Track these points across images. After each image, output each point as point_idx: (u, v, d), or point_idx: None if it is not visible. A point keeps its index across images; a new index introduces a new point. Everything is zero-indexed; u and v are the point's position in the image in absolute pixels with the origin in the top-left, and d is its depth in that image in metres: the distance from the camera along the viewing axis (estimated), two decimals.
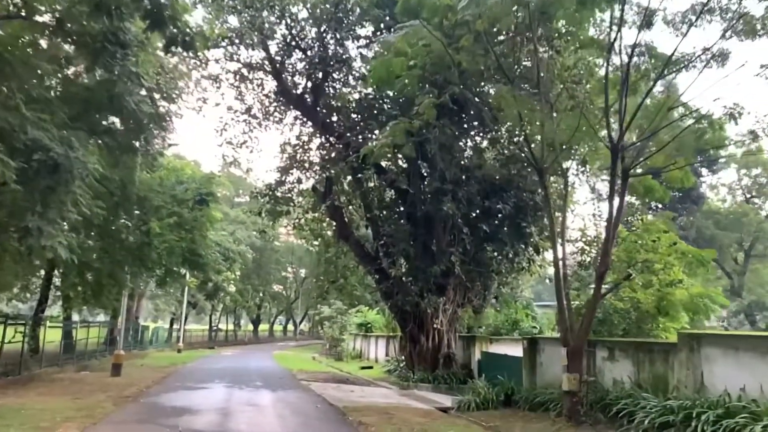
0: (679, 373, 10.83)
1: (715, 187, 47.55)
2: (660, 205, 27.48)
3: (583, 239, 17.76)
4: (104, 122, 16.51)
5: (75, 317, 31.52)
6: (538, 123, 14.35)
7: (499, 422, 12.52)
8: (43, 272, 24.50)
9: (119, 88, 13.36)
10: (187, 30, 12.11)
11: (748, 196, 46.18)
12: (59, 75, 14.86)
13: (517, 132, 15.15)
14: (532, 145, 14.68)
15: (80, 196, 12.55)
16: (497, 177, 20.41)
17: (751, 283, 45.49)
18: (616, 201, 13.00)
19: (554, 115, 13.93)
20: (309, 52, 21.70)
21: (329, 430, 11.88)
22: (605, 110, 12.84)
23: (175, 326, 54.61)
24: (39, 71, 13.65)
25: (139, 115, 14.16)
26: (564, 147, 14.07)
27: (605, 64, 13.36)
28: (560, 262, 13.16)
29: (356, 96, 22.77)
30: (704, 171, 41.19)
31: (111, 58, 12.64)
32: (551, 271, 26.76)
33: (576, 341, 12.33)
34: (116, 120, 16.46)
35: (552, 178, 19.01)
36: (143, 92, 15.21)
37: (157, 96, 17.53)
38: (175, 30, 11.70)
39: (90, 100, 14.56)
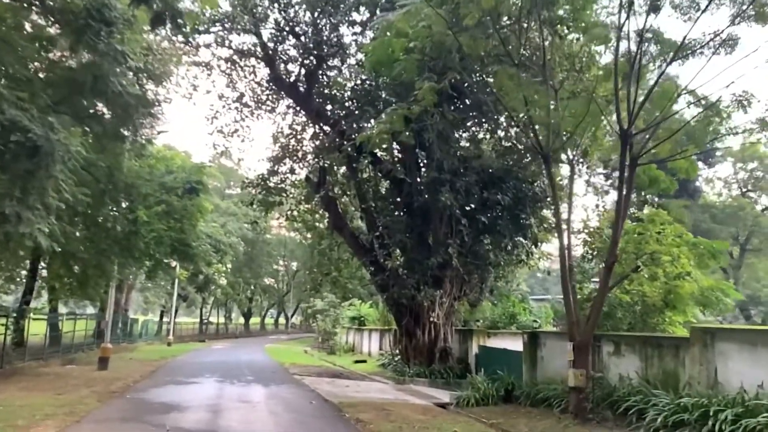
0: (692, 369, 10.36)
1: (711, 180, 47.38)
2: (657, 198, 27.02)
3: (586, 230, 17.27)
4: (91, 109, 15.84)
5: (62, 309, 30.81)
6: (538, 110, 13.88)
7: (502, 419, 12.03)
8: (28, 262, 23.77)
9: (104, 69, 12.67)
10: (176, 6, 11.42)
11: (744, 189, 46.01)
12: (41, 53, 14.13)
13: (519, 118, 14.60)
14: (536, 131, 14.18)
15: (62, 181, 11.92)
16: (492, 168, 19.91)
17: (746, 277, 45.33)
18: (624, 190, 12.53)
19: (558, 101, 13.43)
20: (303, 38, 21.03)
21: (325, 427, 11.31)
22: (615, 95, 12.33)
23: (165, 319, 53.94)
24: (19, 50, 12.94)
25: (126, 97, 13.48)
26: (570, 134, 13.56)
27: (615, 47, 12.81)
28: (566, 253, 12.67)
29: (351, 83, 22.15)
30: (700, 164, 40.86)
31: (95, 36, 11.99)
32: (547, 264, 26.50)
33: (583, 336, 11.86)
34: (104, 108, 15.81)
35: (553, 169, 18.52)
36: (130, 74, 14.52)
37: (144, 80, 16.82)
38: (162, 4, 11.02)
39: (74, 82, 13.87)
